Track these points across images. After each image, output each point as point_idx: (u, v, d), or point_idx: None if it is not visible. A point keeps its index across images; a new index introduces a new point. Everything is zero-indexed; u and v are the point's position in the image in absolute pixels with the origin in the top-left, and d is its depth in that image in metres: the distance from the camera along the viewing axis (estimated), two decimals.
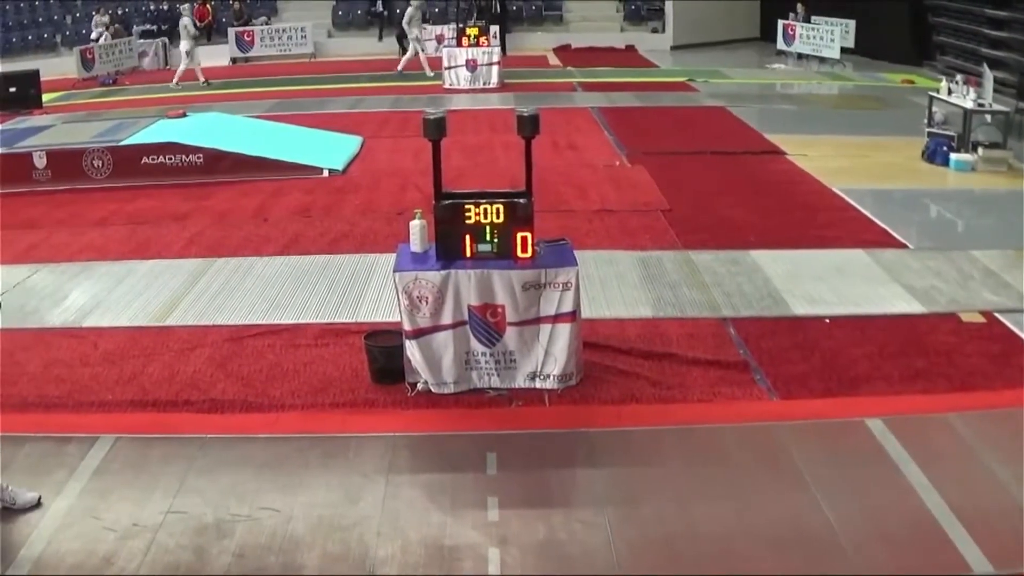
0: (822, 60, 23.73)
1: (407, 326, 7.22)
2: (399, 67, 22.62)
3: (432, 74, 21.77)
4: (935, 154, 13.63)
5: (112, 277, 9.91)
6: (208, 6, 27.16)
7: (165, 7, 27.48)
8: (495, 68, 20.88)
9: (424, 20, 24.03)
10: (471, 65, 20.81)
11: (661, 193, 12.38)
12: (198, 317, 8.88)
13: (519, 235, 7.15)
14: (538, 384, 7.33)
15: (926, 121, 14.32)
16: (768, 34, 26.81)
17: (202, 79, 22.30)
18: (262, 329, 8.56)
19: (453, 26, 22.64)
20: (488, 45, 20.94)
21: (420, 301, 7.17)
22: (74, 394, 7.47)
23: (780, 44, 25.01)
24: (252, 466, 6.44)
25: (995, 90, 14.15)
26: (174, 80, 22.32)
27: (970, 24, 20.54)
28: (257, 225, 11.58)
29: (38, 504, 5.97)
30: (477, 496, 6.08)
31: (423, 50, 22.55)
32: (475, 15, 23.90)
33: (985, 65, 15.38)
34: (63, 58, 24.92)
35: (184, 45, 22.32)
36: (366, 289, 9.41)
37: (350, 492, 6.13)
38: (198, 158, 13.64)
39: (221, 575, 5.40)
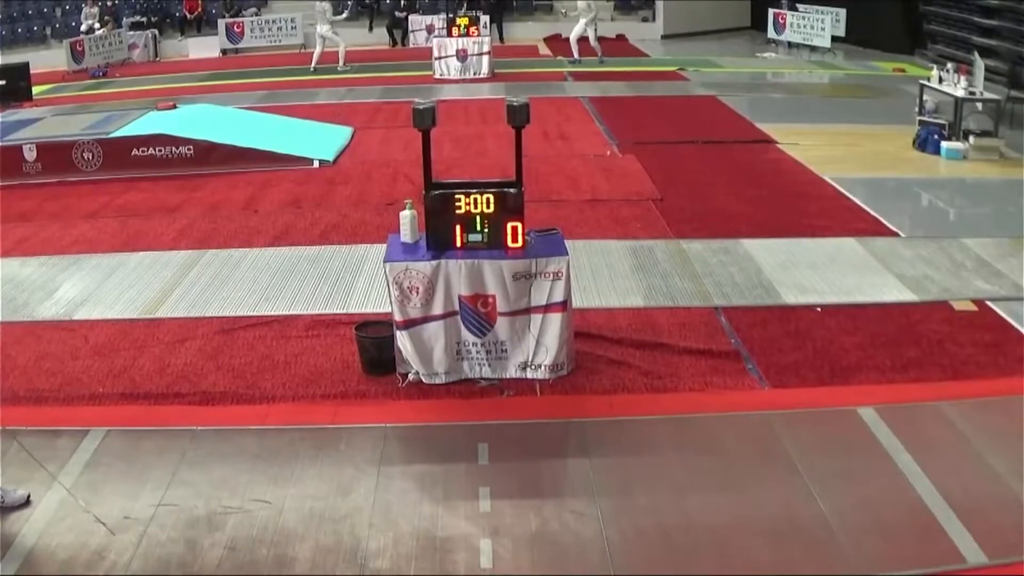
0: (813, 49, 23.68)
1: (398, 317, 7.21)
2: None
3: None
4: (926, 142, 13.63)
5: (102, 270, 9.87)
6: None
7: None
8: (486, 58, 20.80)
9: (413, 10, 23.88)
10: (461, 55, 20.74)
11: (652, 182, 12.36)
12: (188, 309, 8.85)
13: (510, 225, 7.14)
14: (529, 374, 7.33)
15: (917, 110, 14.30)
16: (759, 23, 26.75)
17: (342, 64, 22.07)
18: (252, 321, 8.54)
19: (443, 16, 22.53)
20: (478, 35, 20.85)
21: (411, 291, 7.15)
22: (65, 387, 7.45)
23: (771, 33, 24.95)
24: (243, 458, 6.43)
25: (986, 78, 14.13)
26: (340, 63, 22.02)
27: (961, 12, 20.54)
28: (247, 216, 11.54)
29: (27, 503, 5.93)
30: (469, 487, 6.08)
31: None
32: (465, 5, 23.78)
33: (976, 53, 15.38)
34: (53, 51, 24.80)
35: (324, 30, 21.96)
36: (357, 280, 9.38)
37: (342, 484, 6.12)
38: (188, 150, 13.59)
39: (213, 568, 5.39)
